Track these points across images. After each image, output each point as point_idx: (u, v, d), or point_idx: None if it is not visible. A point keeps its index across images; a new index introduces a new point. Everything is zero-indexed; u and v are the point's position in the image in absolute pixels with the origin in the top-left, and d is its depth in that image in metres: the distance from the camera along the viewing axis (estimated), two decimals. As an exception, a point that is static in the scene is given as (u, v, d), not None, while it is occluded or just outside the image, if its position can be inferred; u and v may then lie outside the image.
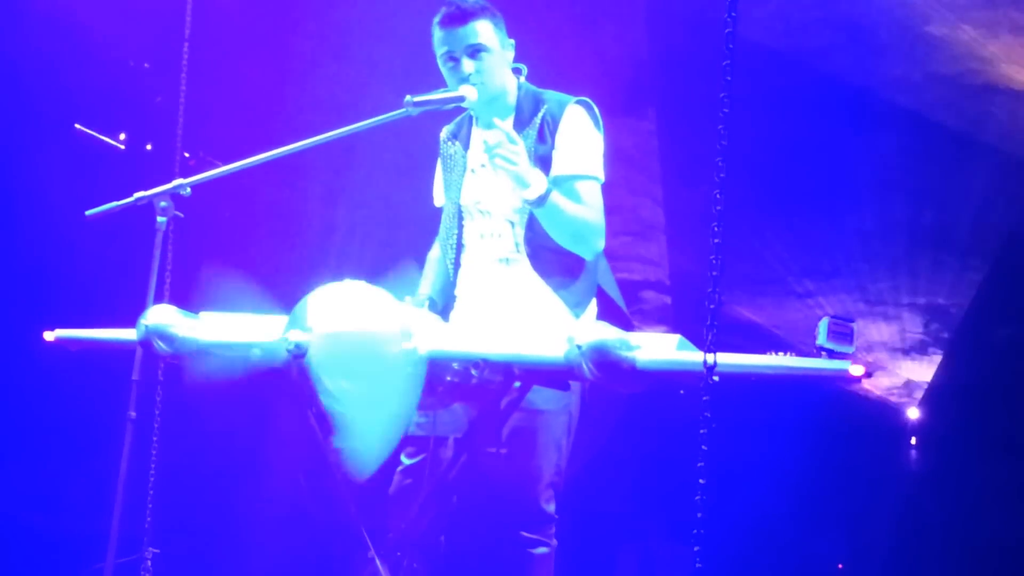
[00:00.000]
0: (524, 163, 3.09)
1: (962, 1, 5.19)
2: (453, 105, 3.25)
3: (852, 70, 5.76)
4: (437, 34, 3.28)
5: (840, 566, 6.95)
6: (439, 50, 3.29)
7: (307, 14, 5.66)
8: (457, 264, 3.40)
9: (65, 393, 5.17)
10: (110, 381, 3.84)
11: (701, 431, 2.23)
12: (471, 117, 3.44)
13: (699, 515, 2.20)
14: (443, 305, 3.41)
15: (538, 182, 3.12)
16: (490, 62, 3.26)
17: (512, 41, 3.35)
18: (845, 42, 5.63)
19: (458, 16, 3.25)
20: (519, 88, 3.36)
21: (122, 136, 5.78)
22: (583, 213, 3.22)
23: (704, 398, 2.29)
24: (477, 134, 3.40)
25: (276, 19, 5.65)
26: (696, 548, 2.22)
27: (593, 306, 3.32)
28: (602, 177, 3.31)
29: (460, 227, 3.39)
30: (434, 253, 3.55)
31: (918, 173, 6.22)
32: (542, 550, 3.21)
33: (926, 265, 6.72)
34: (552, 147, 3.27)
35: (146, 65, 5.63)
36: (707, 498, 2.24)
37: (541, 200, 3.12)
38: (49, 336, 3.32)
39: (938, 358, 7.12)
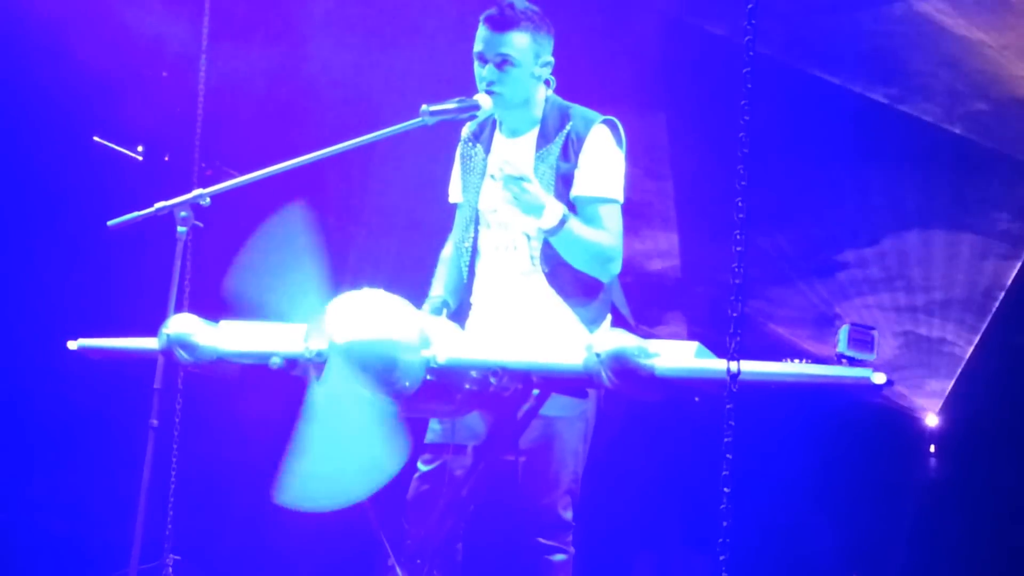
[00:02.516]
0: (535, 197, 3.11)
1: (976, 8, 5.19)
2: (469, 114, 3.27)
3: (867, 74, 5.76)
4: (479, 30, 3.29)
5: None
6: (475, 46, 3.30)
7: (324, 23, 5.68)
8: (472, 271, 3.40)
9: (87, 402, 5.21)
10: (132, 390, 3.86)
11: (725, 439, 2.23)
12: (495, 121, 3.43)
13: (724, 523, 2.20)
14: (456, 307, 3.42)
15: (551, 212, 3.14)
16: (514, 75, 3.26)
17: (551, 60, 3.34)
18: (857, 46, 5.64)
19: (499, 22, 3.25)
20: (546, 101, 3.36)
21: (140, 148, 5.81)
22: (600, 239, 3.23)
23: (728, 406, 2.29)
24: (499, 140, 3.41)
25: (293, 29, 5.68)
26: (722, 557, 2.22)
27: (607, 323, 3.32)
28: (622, 199, 3.32)
29: (476, 231, 3.40)
30: (447, 252, 3.54)
31: (935, 179, 6.21)
32: (560, 557, 3.22)
33: (944, 271, 6.70)
34: (575, 165, 3.27)
35: (164, 74, 5.66)
36: (730, 506, 2.24)
37: (555, 230, 3.15)
38: (72, 345, 3.35)
39: (958, 365, 7.09)
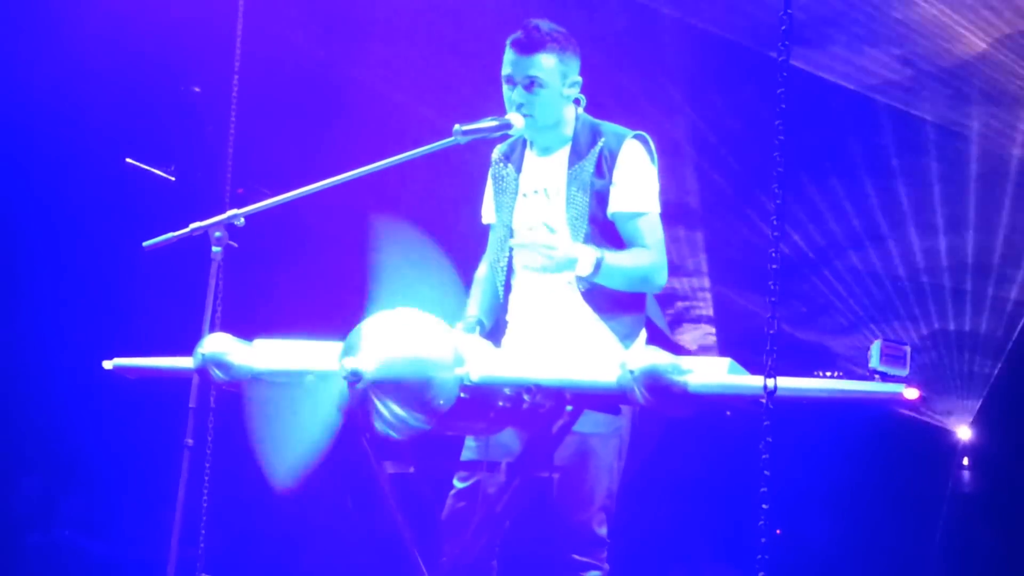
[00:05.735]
0: (563, 250, 3.12)
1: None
2: (501, 133, 3.29)
3: (899, 92, 5.75)
4: (506, 53, 3.32)
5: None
6: (503, 69, 3.32)
7: (357, 42, 5.71)
8: (508, 288, 3.41)
9: (122, 421, 5.24)
10: (167, 409, 3.88)
11: (762, 456, 2.23)
12: (525, 140, 3.45)
13: (763, 540, 2.20)
14: (491, 326, 3.43)
15: (585, 261, 3.15)
16: (543, 96, 3.28)
17: (579, 79, 3.35)
18: (891, 63, 5.63)
19: (525, 44, 3.28)
20: (576, 119, 3.38)
21: (172, 167, 5.85)
22: (639, 261, 3.25)
23: (765, 422, 2.29)
24: (530, 158, 3.43)
25: (326, 48, 5.71)
26: (760, 574, 2.21)
27: (642, 336, 3.33)
28: (659, 209, 3.33)
29: (511, 250, 3.41)
30: (481, 272, 3.55)
31: (965, 193, 6.19)
32: (595, 574, 3.22)
33: (975, 283, 6.67)
34: (610, 182, 3.28)
35: (196, 89, 5.70)
36: (768, 522, 2.24)
37: (593, 275, 3.17)
38: (107, 365, 3.37)
39: (990, 377, 7.06)
